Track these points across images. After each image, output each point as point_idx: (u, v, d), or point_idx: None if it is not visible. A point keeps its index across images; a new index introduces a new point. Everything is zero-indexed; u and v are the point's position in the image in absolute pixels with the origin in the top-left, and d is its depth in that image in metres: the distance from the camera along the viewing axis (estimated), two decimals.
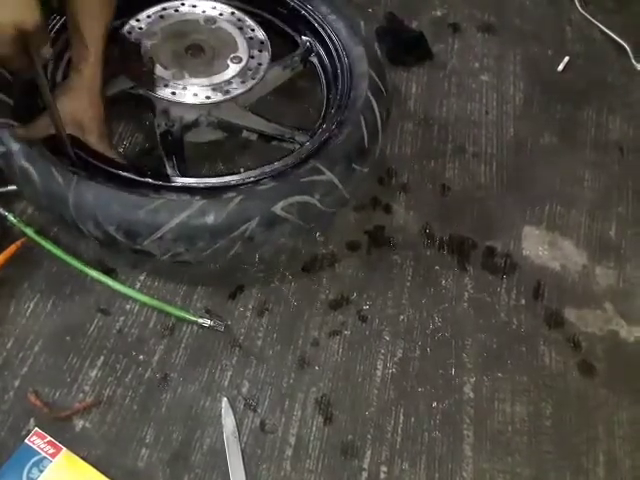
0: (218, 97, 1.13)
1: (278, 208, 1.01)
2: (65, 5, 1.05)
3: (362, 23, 1.28)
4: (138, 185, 1.03)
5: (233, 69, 1.17)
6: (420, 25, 1.63)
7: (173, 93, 1.12)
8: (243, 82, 1.16)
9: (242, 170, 1.10)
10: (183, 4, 1.24)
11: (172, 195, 1.01)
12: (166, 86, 1.12)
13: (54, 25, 1.20)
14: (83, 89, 1.05)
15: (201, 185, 1.05)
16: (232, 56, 1.18)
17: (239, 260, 1.13)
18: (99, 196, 0.99)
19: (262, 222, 1.01)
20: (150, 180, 1.04)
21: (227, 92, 1.14)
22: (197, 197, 1.00)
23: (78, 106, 1.05)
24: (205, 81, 1.14)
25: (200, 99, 1.12)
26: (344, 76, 1.21)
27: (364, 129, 1.11)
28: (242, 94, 1.15)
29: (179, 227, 0.99)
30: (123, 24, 1.19)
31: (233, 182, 1.06)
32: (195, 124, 1.19)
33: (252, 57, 1.19)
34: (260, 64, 1.18)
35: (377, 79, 1.18)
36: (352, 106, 1.14)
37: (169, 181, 1.07)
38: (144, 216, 0.98)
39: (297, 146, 1.16)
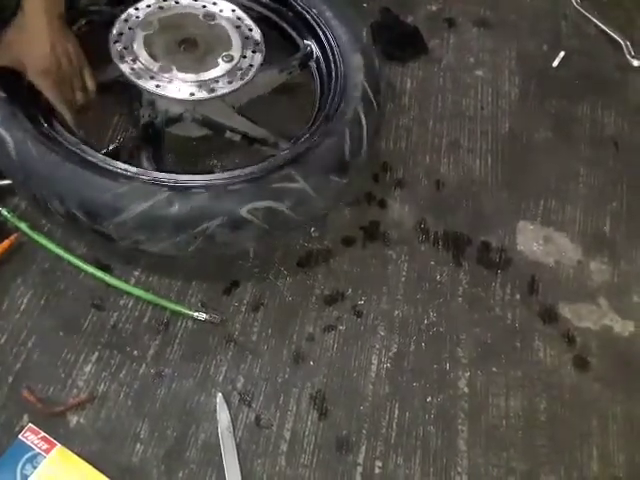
0: (202, 94, 1.11)
1: (244, 210, 1.01)
2: None
3: (364, 31, 1.26)
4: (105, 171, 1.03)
5: (222, 67, 1.14)
6: (415, 20, 1.62)
7: (157, 86, 1.10)
8: (230, 82, 1.13)
9: (217, 170, 1.08)
10: None
11: (139, 183, 1.00)
12: (152, 78, 1.10)
13: None
14: (26, 23, 1.04)
15: (171, 182, 1.03)
16: (224, 54, 1.16)
17: (203, 254, 1.12)
18: (68, 174, 1.00)
19: (226, 222, 1.01)
20: (120, 170, 1.03)
21: (212, 90, 1.12)
22: (164, 188, 1.00)
23: (18, 39, 1.03)
24: (192, 77, 1.12)
25: (183, 94, 1.10)
26: (337, 86, 1.19)
27: (347, 142, 1.10)
28: (228, 94, 1.13)
29: (142, 215, 0.98)
30: (122, 12, 1.18)
31: (204, 181, 1.04)
32: (179, 118, 1.18)
33: (244, 57, 1.17)
34: (251, 65, 1.16)
35: (370, 92, 1.17)
36: (340, 117, 1.13)
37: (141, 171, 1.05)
38: (109, 199, 0.98)
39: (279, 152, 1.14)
